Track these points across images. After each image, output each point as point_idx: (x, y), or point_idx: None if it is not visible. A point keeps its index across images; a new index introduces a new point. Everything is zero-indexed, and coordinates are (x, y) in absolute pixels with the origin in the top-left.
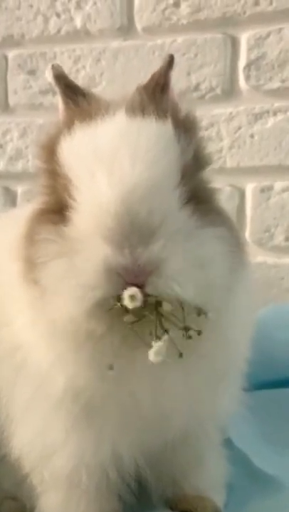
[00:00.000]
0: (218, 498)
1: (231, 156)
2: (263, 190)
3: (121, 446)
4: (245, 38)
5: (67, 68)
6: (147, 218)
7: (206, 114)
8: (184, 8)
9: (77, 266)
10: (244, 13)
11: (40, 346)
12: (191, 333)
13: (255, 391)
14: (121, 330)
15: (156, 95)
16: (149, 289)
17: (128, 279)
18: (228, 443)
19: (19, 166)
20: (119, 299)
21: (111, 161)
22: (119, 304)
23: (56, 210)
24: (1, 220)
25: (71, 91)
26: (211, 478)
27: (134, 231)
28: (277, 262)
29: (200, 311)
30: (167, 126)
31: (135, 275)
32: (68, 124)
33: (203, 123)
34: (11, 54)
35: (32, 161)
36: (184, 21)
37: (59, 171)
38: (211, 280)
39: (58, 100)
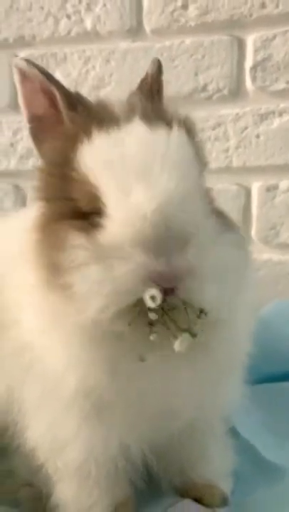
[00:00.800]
0: (225, 485)
1: (238, 156)
2: (268, 189)
3: (129, 439)
4: (251, 39)
5: (77, 69)
6: (182, 227)
7: (213, 115)
8: (192, 11)
9: (114, 271)
10: (251, 15)
11: (55, 348)
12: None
13: (260, 384)
14: (140, 330)
15: (154, 100)
16: (181, 294)
17: (163, 284)
18: (233, 433)
19: (29, 164)
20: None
21: (144, 171)
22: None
23: (77, 216)
24: (5, 223)
25: (71, 99)
26: (217, 467)
27: (169, 239)
28: (283, 258)
29: (201, 311)
30: (183, 133)
31: (169, 281)
32: (82, 131)
33: (210, 123)
34: (22, 54)
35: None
36: (192, 23)
37: (78, 177)
38: (230, 284)
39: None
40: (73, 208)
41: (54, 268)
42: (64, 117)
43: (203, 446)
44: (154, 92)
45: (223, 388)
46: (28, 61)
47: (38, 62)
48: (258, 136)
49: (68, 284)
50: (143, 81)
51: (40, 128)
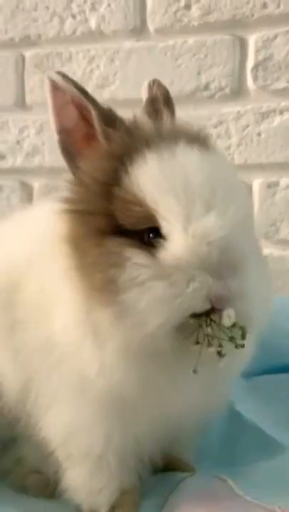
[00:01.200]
0: (191, 458)
1: (239, 153)
2: (269, 186)
3: (143, 436)
4: (253, 39)
5: (82, 68)
6: (240, 253)
7: (215, 113)
8: (195, 11)
9: (179, 290)
10: (252, 15)
11: (92, 357)
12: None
13: (260, 376)
14: (190, 345)
15: (173, 119)
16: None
17: (218, 305)
18: (236, 415)
19: (35, 161)
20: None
21: (209, 196)
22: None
23: (119, 232)
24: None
25: (107, 116)
26: (191, 445)
27: (228, 262)
28: (283, 254)
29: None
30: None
31: (225, 302)
32: (130, 151)
33: (213, 121)
34: (28, 54)
35: (48, 157)
36: (195, 23)
37: (128, 197)
38: (266, 308)
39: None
40: (115, 225)
41: (108, 284)
42: (99, 134)
43: (193, 434)
44: (171, 113)
45: (228, 387)
46: (63, 75)
47: (44, 61)
48: (259, 134)
49: (129, 299)
50: (151, 104)
51: (68, 140)
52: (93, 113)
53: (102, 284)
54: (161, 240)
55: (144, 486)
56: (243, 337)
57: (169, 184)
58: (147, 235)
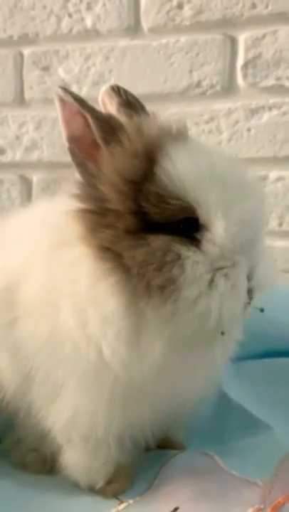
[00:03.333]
0: (182, 436)
1: (230, 148)
2: (258, 180)
3: (146, 421)
4: (243, 38)
5: (79, 65)
6: (262, 229)
7: (206, 109)
8: (187, 10)
9: (231, 281)
10: (242, 15)
11: (123, 351)
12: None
13: (248, 360)
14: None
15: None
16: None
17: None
18: (224, 396)
19: (34, 156)
20: None
21: (237, 182)
22: None
23: (152, 228)
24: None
25: (103, 122)
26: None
27: (255, 239)
28: (272, 245)
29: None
30: None
31: (253, 273)
32: (152, 148)
33: (204, 117)
34: (26, 51)
35: (46, 152)
36: (187, 22)
37: (162, 192)
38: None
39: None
40: (144, 221)
41: (169, 282)
42: (98, 139)
43: (187, 415)
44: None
45: (222, 371)
46: (64, 89)
47: (42, 58)
48: (249, 130)
49: (191, 296)
50: (128, 107)
51: (78, 147)
52: (91, 121)
53: (162, 282)
54: (200, 230)
55: (138, 461)
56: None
57: (205, 175)
58: (183, 226)
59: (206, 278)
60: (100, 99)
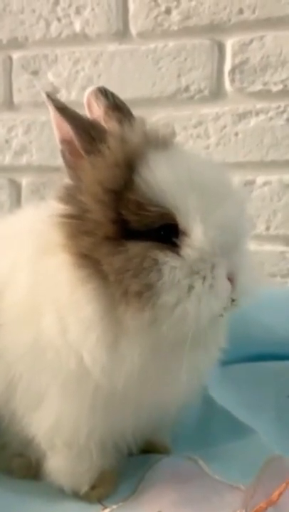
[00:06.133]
0: (168, 440)
1: (217, 153)
2: (246, 184)
3: (128, 427)
4: (230, 43)
5: (68, 69)
6: (244, 232)
7: (194, 114)
8: (175, 16)
9: (209, 282)
10: (229, 20)
11: (104, 358)
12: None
13: (233, 364)
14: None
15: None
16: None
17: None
18: (208, 400)
19: (23, 160)
20: None
21: (216, 187)
22: None
23: (133, 235)
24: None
25: (84, 130)
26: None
27: (236, 242)
28: (259, 249)
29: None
30: None
31: (235, 276)
32: (131, 156)
33: (192, 122)
34: (15, 55)
35: (35, 156)
36: (175, 27)
37: (140, 199)
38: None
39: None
40: (124, 230)
41: (146, 288)
42: (79, 148)
43: (171, 420)
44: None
45: (207, 375)
46: (48, 95)
47: (31, 62)
48: (236, 134)
49: (169, 301)
50: (116, 110)
51: (68, 150)
52: (71, 131)
53: (139, 288)
54: (179, 236)
55: (123, 466)
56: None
57: (183, 181)
58: (164, 232)
59: (185, 283)
60: (85, 101)
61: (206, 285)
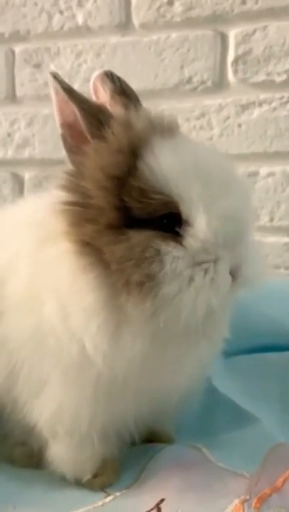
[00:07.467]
0: (172, 429)
1: (221, 144)
2: (249, 175)
3: (130, 415)
4: (233, 34)
5: (70, 62)
6: (248, 223)
7: (197, 105)
8: (177, 7)
9: (211, 275)
10: (232, 11)
11: (106, 346)
12: None
13: (237, 355)
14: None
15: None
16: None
17: (234, 272)
18: (212, 389)
19: (26, 153)
20: None
21: (221, 177)
22: None
23: (135, 224)
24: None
25: (91, 113)
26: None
27: (240, 234)
28: (263, 240)
29: None
30: None
31: (239, 268)
32: (136, 143)
33: (195, 113)
34: (18, 49)
35: (38, 149)
36: (178, 19)
37: (144, 187)
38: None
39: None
40: (126, 217)
41: (148, 278)
42: (85, 132)
43: (174, 409)
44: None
45: (209, 364)
46: (54, 76)
47: (33, 56)
48: (239, 126)
49: (171, 292)
50: (122, 95)
51: (70, 134)
52: (78, 113)
53: (141, 278)
54: (182, 225)
55: (126, 455)
56: None
57: (188, 170)
58: (167, 221)
59: (187, 274)
60: (91, 85)
61: (206, 278)
